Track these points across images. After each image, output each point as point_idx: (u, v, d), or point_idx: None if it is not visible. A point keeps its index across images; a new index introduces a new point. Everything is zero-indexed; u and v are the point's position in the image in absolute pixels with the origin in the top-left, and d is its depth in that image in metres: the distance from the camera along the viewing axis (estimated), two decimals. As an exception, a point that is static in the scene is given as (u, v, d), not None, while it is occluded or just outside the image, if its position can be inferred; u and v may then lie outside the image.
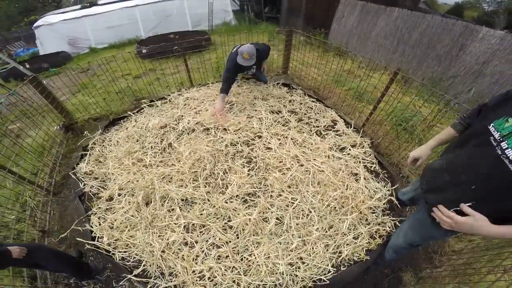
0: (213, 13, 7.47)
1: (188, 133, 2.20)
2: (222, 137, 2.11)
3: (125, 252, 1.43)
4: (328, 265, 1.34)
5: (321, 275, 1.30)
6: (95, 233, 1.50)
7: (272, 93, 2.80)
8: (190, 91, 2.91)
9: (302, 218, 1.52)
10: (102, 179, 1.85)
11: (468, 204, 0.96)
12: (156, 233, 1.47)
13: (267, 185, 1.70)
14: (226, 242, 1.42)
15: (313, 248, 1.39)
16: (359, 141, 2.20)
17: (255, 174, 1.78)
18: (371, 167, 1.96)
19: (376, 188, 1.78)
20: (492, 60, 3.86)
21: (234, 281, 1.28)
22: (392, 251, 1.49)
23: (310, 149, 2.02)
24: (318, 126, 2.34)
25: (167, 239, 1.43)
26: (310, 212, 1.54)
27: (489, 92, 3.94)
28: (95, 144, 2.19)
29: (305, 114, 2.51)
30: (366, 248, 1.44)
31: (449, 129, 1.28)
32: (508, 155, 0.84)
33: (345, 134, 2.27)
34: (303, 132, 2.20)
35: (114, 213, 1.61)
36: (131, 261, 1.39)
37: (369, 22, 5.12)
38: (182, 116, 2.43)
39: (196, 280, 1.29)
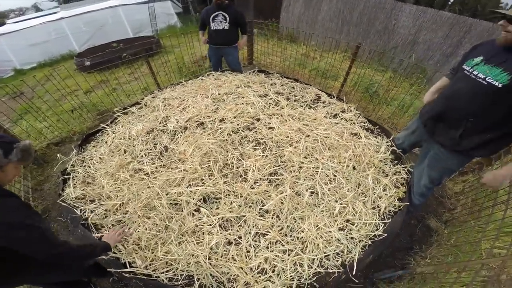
0: (155, 17, 7.07)
1: (182, 132, 2.05)
2: (220, 128, 2.02)
3: (167, 271, 1.25)
4: (375, 219, 1.39)
5: (374, 231, 1.35)
6: (123, 259, 1.28)
7: (252, 80, 2.79)
8: (164, 92, 2.71)
9: (330, 183, 1.55)
10: (101, 200, 1.60)
11: (470, 121, 1.33)
12: (192, 241, 1.33)
13: (285, 161, 1.69)
14: (270, 227, 1.36)
15: (354, 209, 1.43)
16: (345, 107, 2.34)
17: (269, 153, 1.75)
18: (364, 125, 2.12)
19: (377, 142, 1.93)
20: (421, 30, 4.53)
21: (295, 263, 1.24)
22: (418, 196, 1.67)
23: (309, 121, 2.08)
24: (306, 101, 2.42)
25: (208, 244, 1.30)
26: (335, 176, 1.59)
27: (425, 57, 4.61)
28: (74, 166, 1.88)
29: (290, 93, 2.57)
30: (397, 197, 1.54)
31: (443, 79, 1.63)
32: (477, 75, 1.30)
33: (332, 104, 2.39)
34: (296, 108, 2.25)
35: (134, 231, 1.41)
36: (181, 279, 1.23)
37: (314, 8, 5.50)
38: (168, 117, 2.25)
39: (258, 277, 1.21)
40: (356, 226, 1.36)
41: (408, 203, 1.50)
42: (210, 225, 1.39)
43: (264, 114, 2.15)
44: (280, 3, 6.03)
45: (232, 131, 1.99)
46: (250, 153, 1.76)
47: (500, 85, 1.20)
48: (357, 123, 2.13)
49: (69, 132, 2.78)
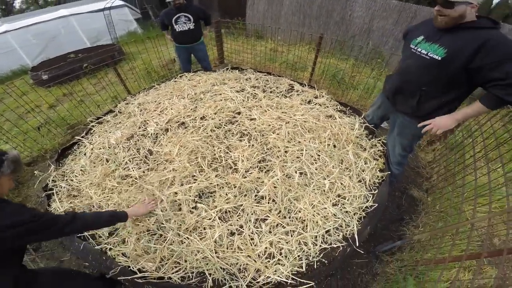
0: (113, 24, 6.76)
1: (164, 134, 2.04)
2: (203, 125, 2.05)
3: (177, 271, 1.25)
4: (363, 191, 1.53)
5: (365, 203, 1.48)
6: (132, 267, 1.26)
7: (227, 77, 2.84)
8: (138, 97, 2.66)
9: (316, 162, 1.67)
10: (92, 211, 1.56)
11: (423, 90, 1.56)
12: (196, 238, 1.34)
13: (271, 148, 1.78)
14: (269, 211, 1.42)
15: (342, 184, 1.56)
16: (318, 93, 2.50)
17: (255, 143, 1.83)
18: (337, 107, 2.29)
19: (351, 121, 2.10)
20: (374, 18, 4.92)
21: (299, 243, 1.31)
22: (396, 165, 1.90)
23: (286, 109, 2.19)
24: (281, 91, 2.54)
25: (212, 238, 1.33)
26: (319, 155, 1.71)
27: (381, 43, 5.01)
28: (55, 181, 1.80)
29: (265, 86, 2.66)
30: (378, 169, 1.71)
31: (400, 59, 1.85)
32: (421, 51, 1.53)
33: (305, 92, 2.54)
34: (273, 98, 2.36)
35: (136, 238, 1.40)
36: (193, 277, 1.24)
37: (277, 4, 5.68)
38: (146, 121, 2.22)
39: (267, 262, 1.25)
40: (347, 200, 1.49)
41: (389, 172, 1.67)
42: (210, 219, 1.42)
43: (244, 108, 2.22)
44: (245, 2, 6.12)
45: (215, 127, 2.03)
46: (237, 144, 1.82)
47: (439, 58, 1.44)
48: (330, 107, 2.30)
49: (40, 151, 2.61)
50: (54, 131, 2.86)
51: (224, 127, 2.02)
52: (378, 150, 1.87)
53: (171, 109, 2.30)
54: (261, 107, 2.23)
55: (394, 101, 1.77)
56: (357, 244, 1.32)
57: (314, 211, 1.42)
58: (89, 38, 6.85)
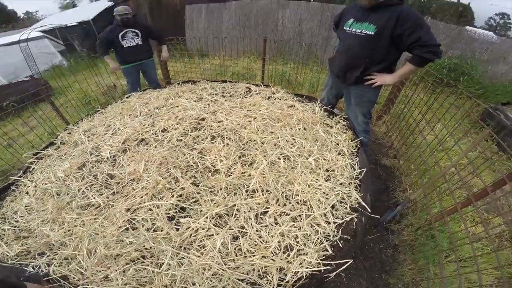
0: (33, 58, 6.00)
1: (122, 155, 1.84)
2: (166, 137, 1.91)
3: None
4: (347, 161, 1.60)
5: (353, 172, 1.54)
6: None
7: (180, 90, 2.75)
8: (82, 125, 2.37)
9: (294, 145, 1.70)
10: (52, 249, 1.28)
11: (366, 61, 1.84)
12: (195, 254, 1.16)
13: (247, 142, 1.75)
14: (266, 202, 1.35)
15: (325, 159, 1.60)
16: (274, 90, 2.59)
17: (229, 141, 1.77)
18: (294, 98, 2.41)
19: (311, 107, 2.23)
20: (302, 21, 5.47)
21: (312, 226, 1.24)
22: (363, 133, 2.10)
23: (250, 106, 2.22)
24: (240, 94, 2.56)
25: (215, 249, 1.16)
26: (294, 139, 1.75)
27: (312, 43, 5.56)
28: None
29: (223, 92, 2.65)
30: (349, 139, 1.83)
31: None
32: (356, 31, 1.82)
33: (262, 91, 2.60)
34: (234, 100, 2.36)
35: (121, 270, 1.18)
36: None
37: (217, 20, 5.87)
38: (98, 146, 1.98)
39: (287, 256, 1.14)
40: (337, 172, 1.52)
41: (360, 138, 1.81)
42: (204, 228, 1.27)
43: (207, 113, 2.16)
44: (183, 21, 6.13)
45: (181, 136, 1.92)
46: (210, 147, 1.73)
47: (372, 33, 1.74)
48: (289, 98, 2.39)
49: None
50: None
51: (190, 134, 1.91)
52: (343, 125, 2.02)
53: (125, 128, 2.09)
54: (225, 109, 2.20)
55: (344, 77, 2.03)
56: (370, 210, 1.29)
57: (313, 190, 1.40)
58: (6, 75, 5.92)
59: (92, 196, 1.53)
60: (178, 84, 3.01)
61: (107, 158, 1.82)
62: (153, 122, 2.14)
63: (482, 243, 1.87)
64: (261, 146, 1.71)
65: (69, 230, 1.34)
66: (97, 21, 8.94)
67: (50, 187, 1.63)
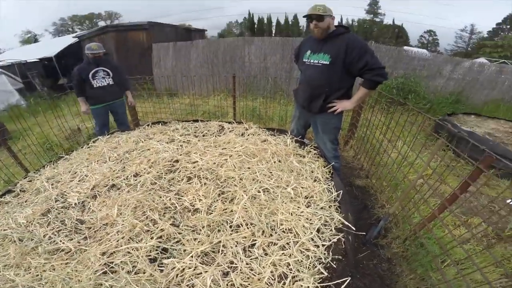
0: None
1: (92, 201, 1.72)
2: (139, 181, 1.83)
3: None
4: (323, 186, 1.67)
5: (331, 195, 1.60)
6: None
7: (150, 132, 2.70)
8: (44, 172, 2.19)
9: (271, 178, 1.72)
10: None
11: (326, 90, 2.00)
12: None
13: (225, 180, 1.74)
14: (253, 235, 1.32)
15: (302, 187, 1.65)
16: (247, 126, 2.65)
17: (206, 181, 1.74)
18: (267, 132, 2.48)
19: (283, 140, 2.30)
20: (267, 56, 5.90)
21: (302, 252, 1.25)
22: (333, 159, 2.20)
23: (225, 144, 2.23)
24: (213, 133, 2.58)
25: (208, 284, 1.10)
26: (271, 172, 1.78)
27: (277, 76, 5.95)
28: None
29: (195, 132, 2.65)
30: (322, 166, 1.91)
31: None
32: (314, 62, 1.99)
33: (235, 128, 2.64)
34: (208, 140, 2.37)
35: None
36: None
37: (184, 58, 6.04)
38: (64, 193, 1.83)
39: (283, 284, 1.12)
40: (316, 198, 1.56)
41: (332, 163, 1.90)
42: (190, 268, 1.19)
43: (181, 155, 2.13)
44: (149, 60, 6.20)
45: (155, 179, 1.85)
46: (187, 187, 1.69)
47: (328, 62, 1.92)
48: (261, 133, 2.46)
49: None
50: None
51: (165, 177, 1.85)
52: (314, 154, 2.11)
53: (94, 175, 1.97)
54: (199, 149, 2.19)
55: (309, 107, 2.16)
56: (354, 228, 1.34)
57: (295, 218, 1.41)
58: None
59: (60, 241, 1.39)
60: (148, 125, 2.95)
61: (75, 204, 1.69)
62: (124, 167, 2.04)
63: (472, 244, 2.00)
64: (239, 182, 1.71)
65: (37, 275, 1.19)
66: (60, 57, 8.58)
67: (11, 232, 1.45)
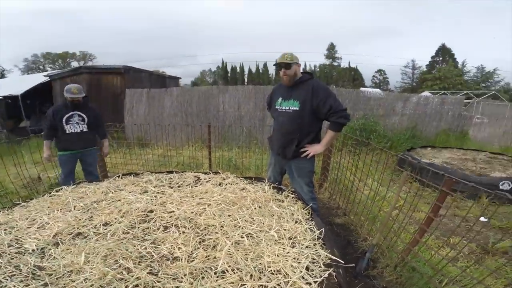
0: None
1: (54, 248, 1.51)
2: (109, 230, 1.67)
3: None
4: (305, 226, 1.66)
5: (313, 234, 1.59)
6: None
7: (121, 183, 2.55)
8: None
9: (253, 224, 1.69)
10: None
11: (298, 135, 2.12)
12: None
13: (206, 228, 1.66)
14: (240, 280, 1.23)
15: (285, 229, 1.63)
16: (224, 175, 2.63)
17: (185, 229, 1.64)
18: (244, 181, 2.45)
19: (261, 187, 2.30)
20: (241, 105, 6.18)
21: None
22: (311, 201, 2.21)
23: (202, 194, 2.17)
24: (189, 183, 2.51)
25: None
26: (252, 218, 1.75)
27: (251, 125, 6.10)
28: None
29: (170, 183, 2.55)
30: (301, 208, 1.94)
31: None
32: (285, 108, 2.11)
33: (212, 178, 2.60)
34: (184, 190, 2.29)
35: None
36: None
37: (158, 106, 6.04)
38: (19, 238, 1.60)
39: None
40: (300, 238, 1.54)
41: (311, 204, 1.94)
42: None
43: (156, 205, 2.02)
44: (121, 106, 6.07)
45: (127, 228, 1.70)
46: (164, 236, 1.57)
47: (297, 108, 2.06)
48: (239, 182, 2.44)
49: None
50: None
51: (139, 227, 1.72)
52: (292, 198, 2.14)
53: (56, 223, 1.77)
54: (175, 200, 2.10)
55: (284, 154, 2.25)
56: (343, 262, 1.33)
57: (282, 258, 1.36)
58: None
59: (14, 285, 1.18)
60: (119, 177, 2.79)
61: (33, 250, 1.48)
62: (92, 217, 1.88)
63: (462, 261, 2.10)
64: (221, 229, 1.65)
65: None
66: (26, 97, 7.92)
67: None
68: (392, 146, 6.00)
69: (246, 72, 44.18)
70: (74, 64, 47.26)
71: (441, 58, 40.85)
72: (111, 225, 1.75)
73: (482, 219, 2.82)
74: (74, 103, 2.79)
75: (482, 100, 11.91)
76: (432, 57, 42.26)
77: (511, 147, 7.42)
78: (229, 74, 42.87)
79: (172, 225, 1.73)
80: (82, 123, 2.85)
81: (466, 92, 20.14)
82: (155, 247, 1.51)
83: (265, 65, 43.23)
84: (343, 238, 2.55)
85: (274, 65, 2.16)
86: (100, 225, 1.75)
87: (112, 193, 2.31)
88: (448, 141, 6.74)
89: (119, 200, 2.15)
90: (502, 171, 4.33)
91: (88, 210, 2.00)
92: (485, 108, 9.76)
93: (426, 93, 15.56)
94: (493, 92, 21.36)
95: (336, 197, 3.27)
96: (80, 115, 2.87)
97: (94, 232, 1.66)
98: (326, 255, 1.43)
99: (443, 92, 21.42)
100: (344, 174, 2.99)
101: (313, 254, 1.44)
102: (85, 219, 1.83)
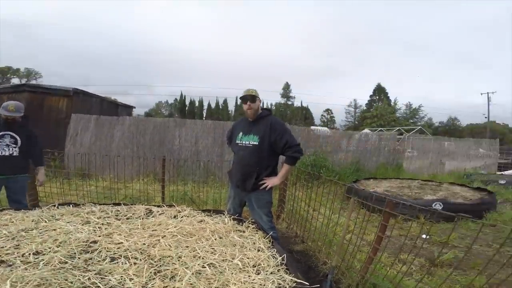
0: None
1: None
2: (41, 259, 1.41)
3: None
4: (267, 254, 1.66)
5: (276, 261, 1.60)
6: None
7: (57, 212, 2.24)
8: None
9: (215, 254, 1.61)
10: None
11: (257, 169, 2.24)
12: None
13: (161, 259, 1.52)
14: None
15: (248, 258, 1.59)
16: (179, 208, 2.49)
17: (136, 260, 1.47)
18: (203, 213, 2.38)
19: (221, 219, 2.26)
20: (198, 139, 6.12)
21: None
22: (271, 230, 2.26)
23: (155, 226, 2.02)
24: (140, 216, 2.30)
25: None
26: (213, 248, 1.69)
27: (209, 160, 5.94)
28: None
29: (116, 214, 2.32)
30: (262, 237, 1.95)
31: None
32: (245, 143, 2.21)
33: (166, 211, 2.44)
34: (134, 222, 2.09)
35: None
36: None
37: (107, 135, 5.48)
38: None
39: None
40: (264, 265, 1.53)
41: (271, 233, 1.98)
42: None
43: (100, 236, 1.79)
44: (64, 132, 5.31)
45: (65, 258, 1.45)
46: (112, 267, 1.38)
47: (257, 143, 2.19)
48: (197, 215, 2.36)
49: None
50: None
51: (80, 257, 1.49)
52: (253, 228, 2.15)
53: None
54: (123, 231, 1.89)
55: (243, 186, 2.31)
56: (308, 283, 1.36)
57: (249, 285, 1.31)
58: None
59: None
60: (54, 206, 2.40)
61: None
62: (18, 245, 1.60)
63: (415, 275, 2.38)
64: (178, 260, 1.53)
65: None
66: None
67: None
68: (340, 179, 6.62)
69: (205, 106, 44.51)
70: (15, 81, 42.16)
71: (377, 97, 45.47)
72: (44, 254, 1.48)
73: (423, 236, 3.25)
74: (8, 122, 2.49)
75: (411, 135, 13.62)
76: (370, 96, 45.77)
77: (437, 175, 9.30)
78: (187, 108, 42.57)
79: (121, 256, 1.54)
80: (14, 146, 2.49)
81: (398, 128, 22.62)
82: (102, 278, 1.31)
83: (225, 101, 44.26)
84: (304, 263, 2.66)
85: (240, 98, 2.32)
86: (29, 253, 1.47)
87: (45, 222, 1.99)
88: (386, 173, 7.90)
89: (54, 229, 1.85)
90: (433, 194, 5.27)
91: (14, 238, 1.68)
92: (414, 142, 11.33)
93: (366, 131, 17.62)
94: (420, 127, 24.37)
95: (293, 226, 3.43)
96: (13, 136, 2.53)
97: (21, 261, 1.39)
98: (291, 279, 1.45)
99: (380, 129, 23.97)
100: (299, 204, 3.20)
101: (279, 279, 1.45)
102: (10, 247, 1.55)
